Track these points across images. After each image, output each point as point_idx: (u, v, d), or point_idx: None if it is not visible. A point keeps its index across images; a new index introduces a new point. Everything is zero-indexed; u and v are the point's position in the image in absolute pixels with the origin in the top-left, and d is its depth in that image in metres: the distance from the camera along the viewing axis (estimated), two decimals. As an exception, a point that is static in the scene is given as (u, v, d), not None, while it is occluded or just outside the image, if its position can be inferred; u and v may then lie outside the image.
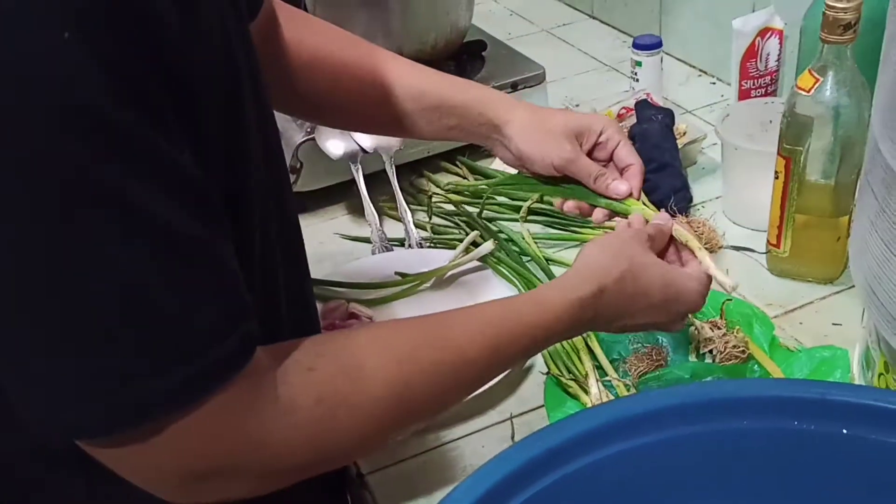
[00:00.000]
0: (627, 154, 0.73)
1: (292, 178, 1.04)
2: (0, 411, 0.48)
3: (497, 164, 1.13)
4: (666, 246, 0.69)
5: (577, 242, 0.98)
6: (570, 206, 0.74)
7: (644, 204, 0.72)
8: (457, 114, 0.76)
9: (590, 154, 0.74)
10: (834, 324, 0.84)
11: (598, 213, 0.73)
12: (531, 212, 1.02)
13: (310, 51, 0.74)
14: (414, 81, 0.75)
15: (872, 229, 0.60)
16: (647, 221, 0.69)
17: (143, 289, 0.41)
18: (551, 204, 1.02)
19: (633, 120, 1.09)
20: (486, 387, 0.67)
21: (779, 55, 1.10)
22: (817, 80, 0.80)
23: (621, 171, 0.73)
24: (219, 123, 0.47)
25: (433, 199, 1.05)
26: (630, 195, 0.72)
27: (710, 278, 0.66)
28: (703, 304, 0.67)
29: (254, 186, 0.53)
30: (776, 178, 0.85)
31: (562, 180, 0.74)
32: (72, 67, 0.37)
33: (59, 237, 0.39)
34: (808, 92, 0.80)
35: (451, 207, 1.05)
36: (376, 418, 0.51)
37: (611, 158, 0.74)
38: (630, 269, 0.62)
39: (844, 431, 0.51)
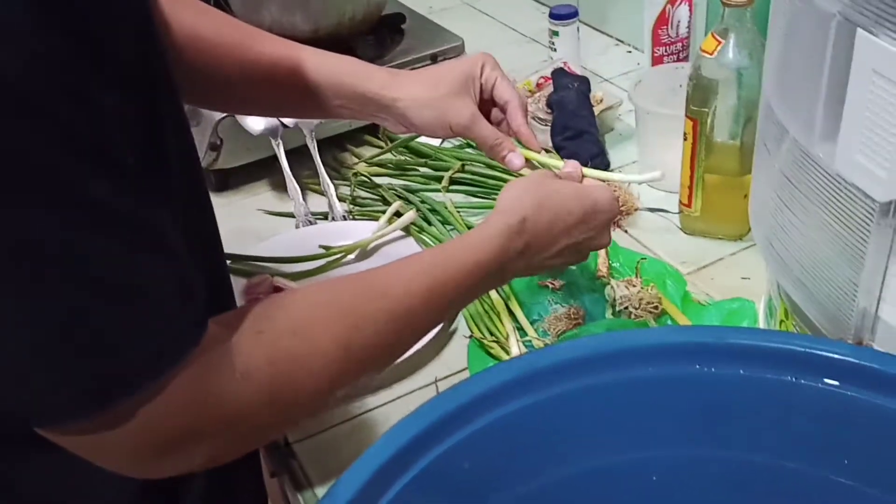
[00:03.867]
0: (504, 90, 0.76)
1: (213, 155, 1.04)
2: None
3: (422, 138, 1.15)
4: None
5: (499, 210, 1.00)
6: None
7: (546, 151, 0.78)
8: (341, 95, 0.76)
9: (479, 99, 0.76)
10: (742, 278, 0.88)
11: (515, 160, 0.76)
12: (453, 181, 1.03)
13: (190, 31, 0.72)
14: (294, 64, 0.74)
15: (767, 184, 0.63)
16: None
17: (95, 271, 0.41)
18: (473, 173, 1.04)
19: (551, 89, 1.11)
20: (411, 351, 0.69)
21: (689, 22, 1.13)
22: (719, 42, 0.83)
23: (502, 109, 0.76)
24: (139, 96, 0.46)
25: (355, 174, 1.06)
26: (525, 166, 0.76)
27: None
28: (617, 209, 0.72)
29: (171, 156, 0.53)
30: (685, 139, 0.88)
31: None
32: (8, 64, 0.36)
33: (7, 223, 0.38)
34: (712, 54, 0.83)
35: (375, 180, 1.06)
36: (327, 371, 0.53)
37: (491, 96, 0.76)
38: (546, 195, 0.66)
39: (742, 372, 0.54)
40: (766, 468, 0.56)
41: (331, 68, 0.75)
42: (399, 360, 0.66)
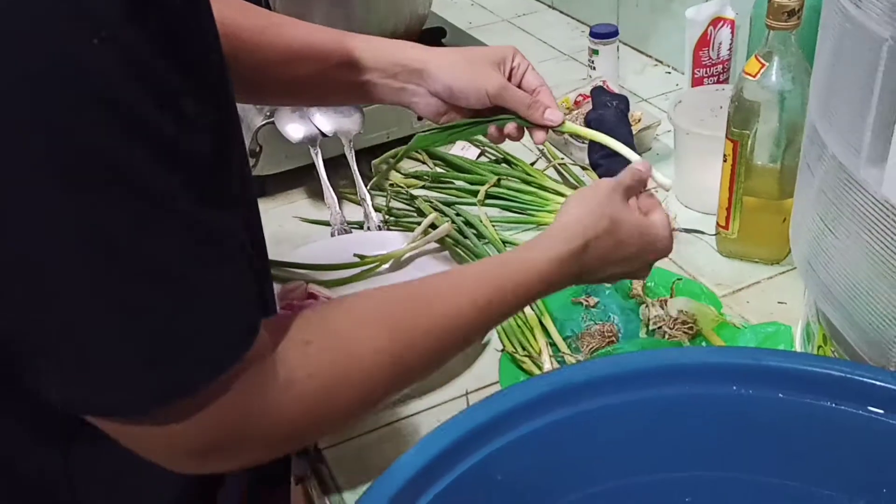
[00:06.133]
0: (534, 78, 0.76)
1: (251, 161, 1.05)
2: None
3: (456, 150, 1.15)
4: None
5: (534, 225, 1.00)
6: (510, 128, 0.75)
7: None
8: (368, 67, 0.75)
9: None
10: (779, 302, 0.87)
11: (539, 135, 0.75)
12: (488, 195, 1.03)
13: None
14: (316, 41, 0.74)
15: (809, 206, 0.63)
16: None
17: (161, 270, 0.42)
18: (509, 188, 1.04)
19: (590, 106, 1.11)
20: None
21: (730, 44, 1.13)
22: (763, 65, 0.82)
23: (533, 92, 0.76)
24: (214, 103, 0.48)
25: (392, 185, 1.06)
26: (563, 122, 0.75)
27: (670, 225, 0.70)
28: (671, 250, 0.70)
29: (233, 162, 0.54)
30: (724, 161, 0.88)
31: (489, 113, 0.76)
32: (103, 68, 0.38)
33: (91, 221, 0.39)
34: (755, 77, 0.83)
35: (411, 192, 1.06)
36: (368, 387, 0.53)
37: (520, 84, 0.76)
38: (611, 223, 0.64)
39: (780, 395, 0.53)
40: (801, 494, 0.55)
41: (366, 41, 0.76)
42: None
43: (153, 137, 0.40)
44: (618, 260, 0.66)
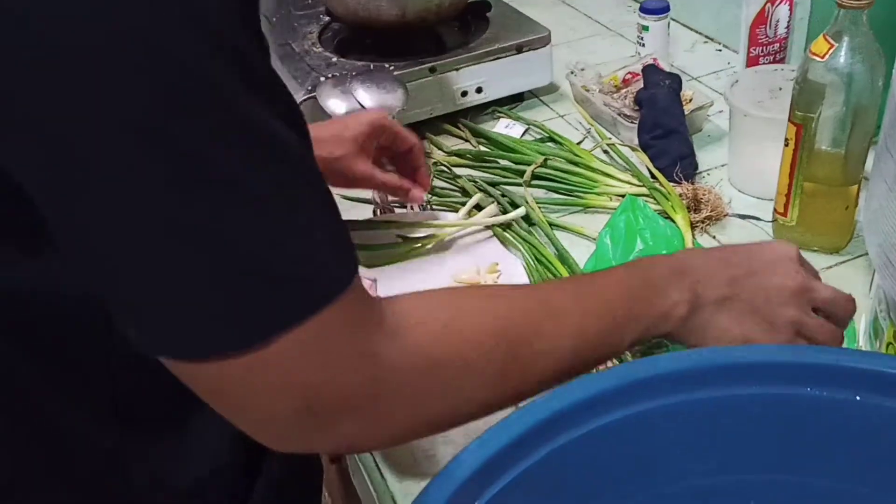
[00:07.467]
0: (409, 136, 0.88)
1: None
2: (45, 353, 0.47)
3: (499, 128, 1.12)
4: None
5: (581, 207, 0.97)
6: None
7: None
8: None
9: (384, 147, 0.88)
10: (839, 293, 0.83)
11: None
12: (535, 176, 1.00)
13: None
14: None
15: (891, 194, 0.59)
16: None
17: (262, 203, 0.40)
18: (555, 168, 1.01)
19: (640, 85, 1.07)
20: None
21: (788, 22, 1.08)
22: (832, 45, 0.78)
23: (408, 151, 0.88)
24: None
25: (435, 163, 1.04)
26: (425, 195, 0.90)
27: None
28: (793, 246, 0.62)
29: None
30: (786, 145, 0.84)
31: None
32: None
33: (194, 156, 0.38)
34: (823, 58, 0.79)
35: (454, 170, 1.03)
36: (480, 344, 0.50)
37: (394, 146, 0.88)
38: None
39: (857, 398, 0.50)
40: (875, 501, 0.52)
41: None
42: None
43: (250, 67, 0.40)
44: (728, 257, 0.61)
